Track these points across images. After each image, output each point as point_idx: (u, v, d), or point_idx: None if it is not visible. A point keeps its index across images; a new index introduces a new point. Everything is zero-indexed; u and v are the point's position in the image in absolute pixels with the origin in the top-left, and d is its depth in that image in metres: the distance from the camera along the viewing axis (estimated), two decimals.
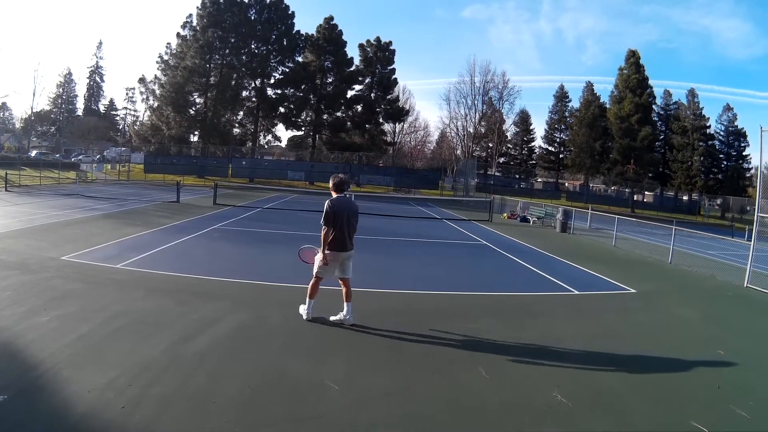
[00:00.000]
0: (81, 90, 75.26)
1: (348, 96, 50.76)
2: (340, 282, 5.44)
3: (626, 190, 49.86)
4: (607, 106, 53.14)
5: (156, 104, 46.46)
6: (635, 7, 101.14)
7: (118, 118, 78.93)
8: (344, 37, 49.57)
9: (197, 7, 44.58)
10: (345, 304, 5.40)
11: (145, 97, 48.91)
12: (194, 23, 44.91)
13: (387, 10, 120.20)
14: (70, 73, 72.31)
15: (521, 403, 3.83)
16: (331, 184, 5.44)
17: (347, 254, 5.35)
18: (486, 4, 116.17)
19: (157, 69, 46.05)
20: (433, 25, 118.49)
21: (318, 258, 5.34)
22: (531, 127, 64.52)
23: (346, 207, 5.34)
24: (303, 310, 5.53)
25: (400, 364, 4.47)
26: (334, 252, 5.24)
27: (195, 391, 3.60)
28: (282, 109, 49.08)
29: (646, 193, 52.17)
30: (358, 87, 51.88)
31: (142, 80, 47.85)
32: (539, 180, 62.23)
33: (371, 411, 3.53)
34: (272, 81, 48.42)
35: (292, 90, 48.65)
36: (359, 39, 69.03)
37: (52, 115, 70.71)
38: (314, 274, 5.38)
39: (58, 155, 50.58)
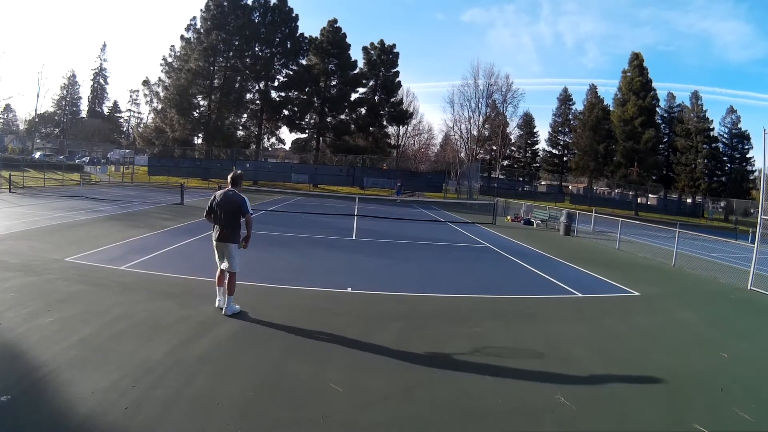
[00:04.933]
0: (85, 92, 75.72)
1: (352, 99, 50.81)
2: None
3: (630, 192, 49.68)
4: (611, 108, 52.96)
5: (160, 107, 46.62)
6: (633, 10, 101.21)
7: (121, 120, 79.43)
8: (348, 40, 49.74)
9: (201, 10, 44.79)
10: (223, 294, 5.73)
11: (149, 99, 49.21)
12: (198, 26, 45.07)
13: (389, 14, 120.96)
14: (74, 75, 72.79)
15: (524, 406, 3.82)
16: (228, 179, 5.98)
17: (222, 244, 5.72)
18: (485, 8, 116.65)
19: (161, 71, 46.28)
20: (434, 28, 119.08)
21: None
22: (534, 130, 64.38)
23: (224, 201, 5.74)
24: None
25: (401, 367, 4.47)
26: (214, 241, 5.74)
27: (197, 393, 3.62)
28: (286, 112, 49.16)
29: (649, 195, 51.95)
30: (361, 90, 51.95)
31: (146, 82, 48.09)
32: (543, 183, 62.13)
33: (372, 413, 3.54)
34: (276, 84, 48.52)
35: (295, 93, 48.72)
36: (362, 42, 69.07)
37: (55, 117, 71.12)
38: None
39: (61, 157, 50.76)
